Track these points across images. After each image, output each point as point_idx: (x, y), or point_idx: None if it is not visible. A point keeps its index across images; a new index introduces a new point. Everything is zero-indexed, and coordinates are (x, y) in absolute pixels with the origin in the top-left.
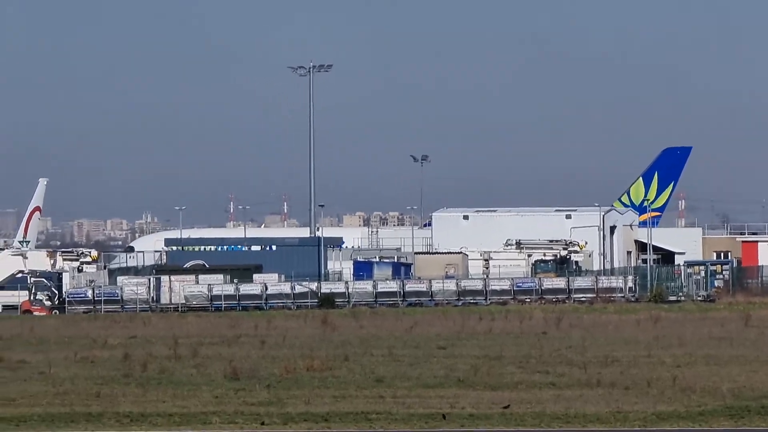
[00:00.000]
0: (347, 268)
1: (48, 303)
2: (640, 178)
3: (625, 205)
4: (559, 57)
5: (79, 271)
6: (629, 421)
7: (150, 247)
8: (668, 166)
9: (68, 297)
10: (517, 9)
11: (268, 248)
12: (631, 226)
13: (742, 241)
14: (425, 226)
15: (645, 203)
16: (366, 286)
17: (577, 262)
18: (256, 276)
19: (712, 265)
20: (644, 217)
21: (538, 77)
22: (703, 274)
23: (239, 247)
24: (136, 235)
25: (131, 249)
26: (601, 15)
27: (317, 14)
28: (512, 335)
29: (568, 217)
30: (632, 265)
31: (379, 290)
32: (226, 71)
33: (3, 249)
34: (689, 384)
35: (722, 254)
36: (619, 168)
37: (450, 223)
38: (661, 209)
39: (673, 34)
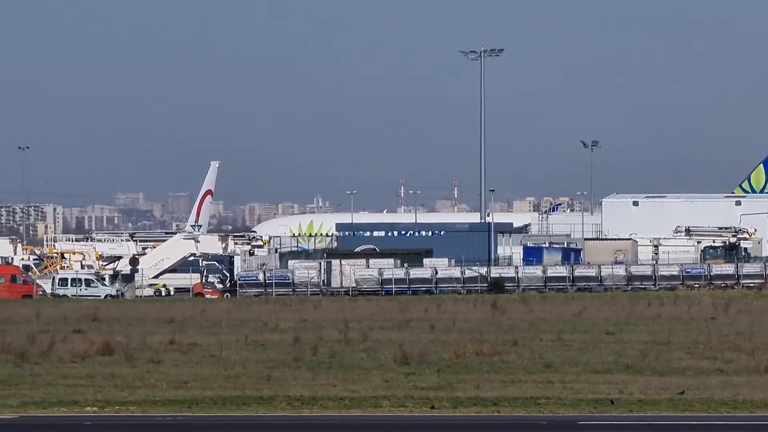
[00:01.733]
0: (517, 253)
1: (220, 286)
2: (761, 164)
3: (745, 191)
4: (744, 42)
5: (251, 254)
6: None
7: (273, 231)
8: None
9: (239, 280)
10: None
11: (438, 233)
12: None
13: None
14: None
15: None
16: (535, 271)
17: (746, 249)
18: (426, 260)
19: None
20: None
21: (718, 62)
22: None
23: (410, 232)
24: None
25: (253, 232)
26: None
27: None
28: (681, 321)
29: (738, 203)
30: None
31: (549, 275)
32: (399, 57)
33: (176, 232)
34: None
35: None
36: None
37: (620, 209)
38: None
39: None
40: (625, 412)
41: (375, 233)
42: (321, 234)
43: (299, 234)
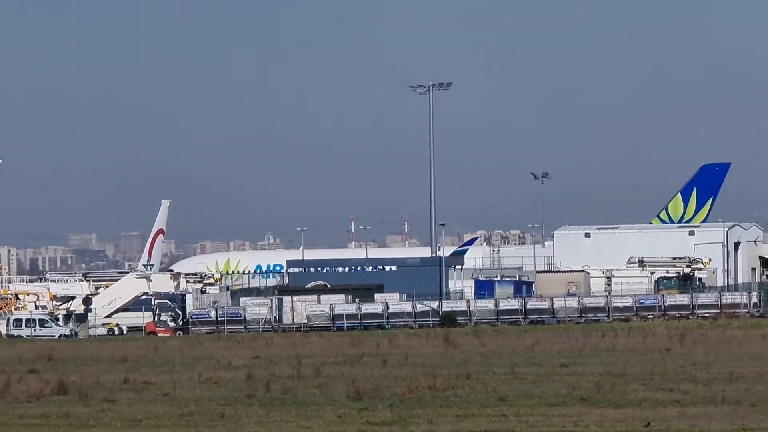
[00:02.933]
0: (468, 287)
1: (172, 324)
2: (679, 194)
3: (663, 221)
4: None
5: (203, 292)
6: None
7: (190, 269)
8: (706, 182)
9: (192, 318)
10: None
11: (389, 268)
12: (755, 242)
13: None
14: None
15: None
16: (488, 304)
17: (700, 279)
18: (377, 295)
19: None
20: None
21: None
22: None
23: (361, 267)
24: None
25: (171, 271)
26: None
27: (438, 33)
28: (635, 352)
29: (691, 233)
30: (757, 281)
31: (501, 308)
32: (347, 92)
33: (128, 272)
34: None
35: None
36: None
37: (572, 240)
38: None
39: None
40: None
41: (326, 269)
42: (237, 272)
43: (216, 272)
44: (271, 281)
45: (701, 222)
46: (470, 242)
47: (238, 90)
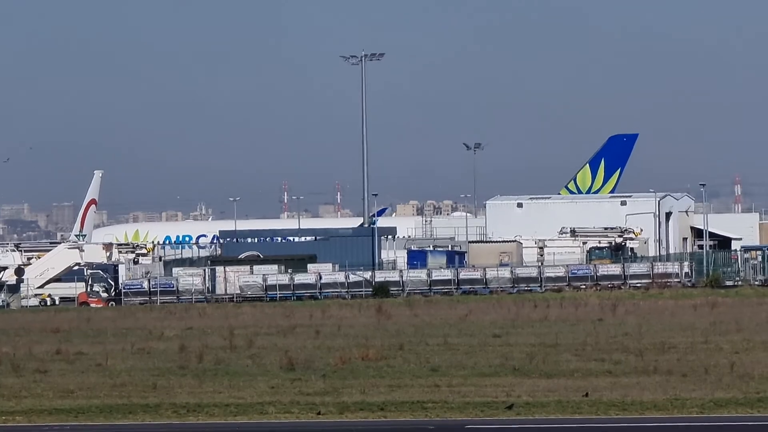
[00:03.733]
0: (401, 257)
1: (104, 295)
2: (587, 164)
3: (571, 192)
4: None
5: (135, 262)
6: (687, 408)
7: (99, 240)
8: (614, 152)
9: (124, 288)
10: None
11: (322, 238)
12: (687, 212)
13: None
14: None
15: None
16: (420, 274)
17: (632, 249)
18: (310, 266)
19: None
20: None
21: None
22: (760, 259)
23: (293, 237)
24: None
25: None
26: None
27: (370, 2)
28: (568, 322)
29: (623, 203)
30: (688, 251)
31: (434, 278)
32: (280, 61)
33: (60, 242)
34: (747, 370)
35: None
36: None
37: (504, 211)
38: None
39: None
40: (513, 416)
41: (258, 239)
42: (147, 242)
43: (125, 243)
44: (204, 252)
45: (609, 193)
46: (380, 212)
47: (172, 54)
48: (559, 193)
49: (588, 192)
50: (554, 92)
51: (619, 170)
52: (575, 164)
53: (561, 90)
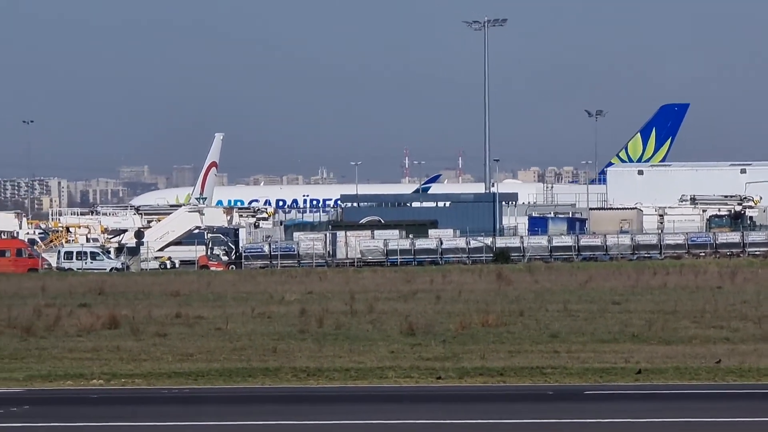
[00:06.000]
0: (522, 224)
1: (225, 258)
2: (638, 134)
3: (622, 161)
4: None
5: (256, 226)
6: None
7: (151, 203)
8: (665, 122)
9: (245, 252)
10: None
11: (443, 204)
12: None
13: None
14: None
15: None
16: (541, 240)
17: (751, 217)
18: (431, 231)
19: None
20: None
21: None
22: None
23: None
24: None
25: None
26: None
27: None
28: (687, 290)
29: (743, 171)
30: None
31: (554, 245)
32: (404, 26)
33: (181, 205)
34: None
35: None
36: None
37: (624, 178)
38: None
39: None
40: (631, 381)
41: (380, 204)
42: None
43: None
44: (324, 216)
45: (660, 161)
46: (433, 179)
47: (296, 18)
48: (611, 163)
49: (639, 160)
50: None
51: (670, 139)
52: None
53: None
